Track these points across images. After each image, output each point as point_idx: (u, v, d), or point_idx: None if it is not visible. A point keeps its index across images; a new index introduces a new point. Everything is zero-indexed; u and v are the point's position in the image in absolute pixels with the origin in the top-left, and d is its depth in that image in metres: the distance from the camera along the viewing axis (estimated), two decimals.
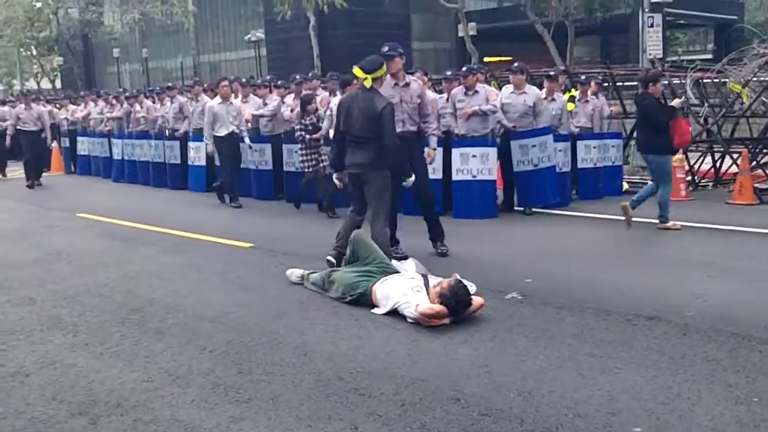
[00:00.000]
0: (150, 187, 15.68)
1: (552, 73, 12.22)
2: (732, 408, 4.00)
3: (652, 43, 18.71)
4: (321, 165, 10.87)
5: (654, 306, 5.74)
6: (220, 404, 4.26)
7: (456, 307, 5.49)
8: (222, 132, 12.13)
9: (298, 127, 11.07)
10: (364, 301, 5.99)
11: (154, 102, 16.35)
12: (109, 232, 10.23)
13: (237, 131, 12.27)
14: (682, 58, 18.53)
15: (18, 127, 16.58)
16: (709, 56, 19.21)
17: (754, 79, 12.74)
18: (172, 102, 15.13)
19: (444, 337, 5.22)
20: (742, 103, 13.01)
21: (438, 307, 5.43)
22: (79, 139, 19.15)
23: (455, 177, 10.39)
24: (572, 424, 3.87)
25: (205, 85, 15.66)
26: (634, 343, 5.00)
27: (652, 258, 7.61)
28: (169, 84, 16.91)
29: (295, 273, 6.83)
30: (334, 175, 7.46)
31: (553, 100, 11.14)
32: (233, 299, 6.39)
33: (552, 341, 5.10)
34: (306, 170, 11.09)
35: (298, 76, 12.87)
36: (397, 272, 6.20)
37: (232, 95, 12.78)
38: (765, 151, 12.97)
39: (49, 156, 18.87)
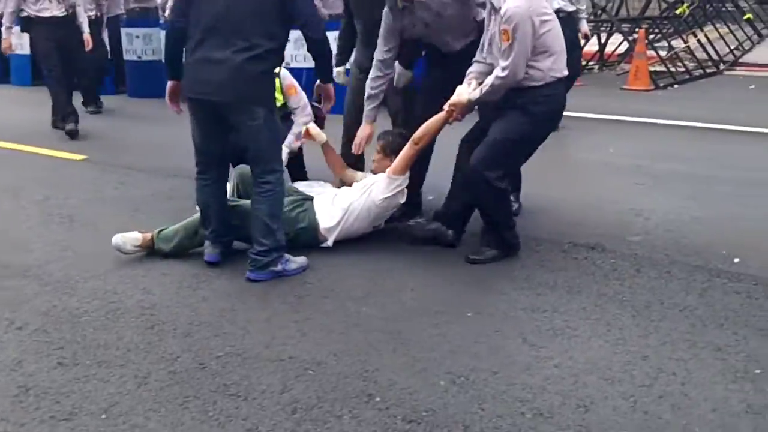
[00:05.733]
0: None
1: None
2: (733, 386, 3.00)
3: None
4: None
5: (591, 229, 4.71)
6: (28, 425, 2.91)
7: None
8: None
9: None
10: (306, 237, 4.55)
11: None
12: None
13: None
14: None
15: (27, 14, 8.14)
16: None
17: None
18: None
19: (343, 290, 4.00)
20: None
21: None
22: None
23: None
24: (536, 430, 2.77)
25: None
26: (582, 286, 3.95)
27: (567, 162, 6.57)
28: None
29: (128, 240, 4.48)
30: None
31: None
32: (56, 239, 4.89)
33: (478, 287, 3.99)
34: None
35: None
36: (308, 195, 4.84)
37: None
38: (656, 30, 12.23)
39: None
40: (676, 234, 4.64)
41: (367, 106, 4.80)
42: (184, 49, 4.08)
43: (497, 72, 4.04)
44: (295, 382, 3.11)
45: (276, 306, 3.84)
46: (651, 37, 11.90)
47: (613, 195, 5.49)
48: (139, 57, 10.47)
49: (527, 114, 4.14)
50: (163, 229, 4.53)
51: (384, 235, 4.67)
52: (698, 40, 12.04)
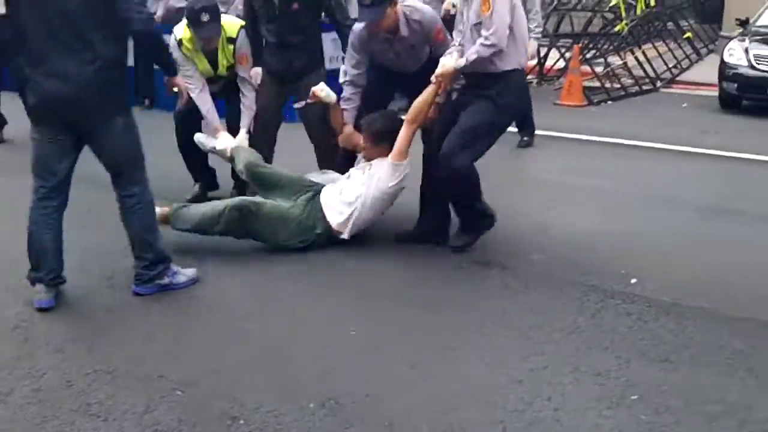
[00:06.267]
0: None
1: None
2: (607, 413, 2.96)
3: None
4: None
5: (494, 245, 4.66)
6: None
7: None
8: None
9: None
10: (322, 240, 4.60)
11: None
12: None
13: None
14: None
15: None
16: None
17: None
18: None
19: (229, 305, 3.90)
20: None
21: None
22: None
23: None
24: None
25: None
26: (473, 305, 3.89)
27: (487, 176, 6.41)
28: None
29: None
30: None
31: None
32: None
33: (366, 304, 3.91)
34: None
35: None
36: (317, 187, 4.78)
37: None
38: (591, 45, 12.30)
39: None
40: (578, 252, 4.61)
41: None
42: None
43: (482, 40, 4.23)
44: (160, 403, 3.00)
45: (157, 321, 3.72)
46: (590, 54, 11.97)
47: (525, 210, 5.46)
48: None
49: (495, 105, 4.38)
50: (181, 207, 4.52)
51: (280, 251, 4.53)
52: (636, 58, 12.14)
